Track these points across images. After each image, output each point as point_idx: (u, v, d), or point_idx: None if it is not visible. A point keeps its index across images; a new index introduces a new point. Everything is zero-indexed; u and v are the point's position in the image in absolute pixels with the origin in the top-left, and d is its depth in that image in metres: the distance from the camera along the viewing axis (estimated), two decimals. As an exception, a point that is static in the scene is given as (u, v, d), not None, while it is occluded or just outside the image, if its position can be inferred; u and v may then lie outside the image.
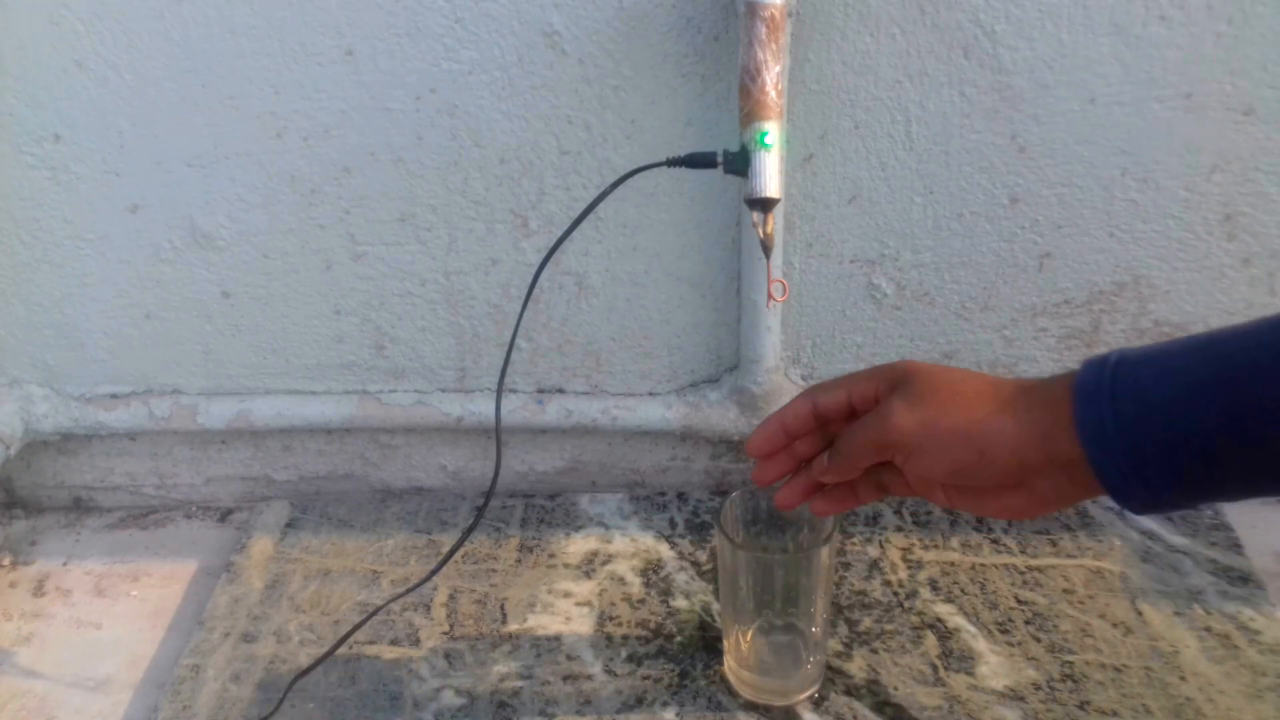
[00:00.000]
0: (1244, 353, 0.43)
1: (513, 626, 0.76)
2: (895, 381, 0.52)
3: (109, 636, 0.80)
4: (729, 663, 0.71)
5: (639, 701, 0.70)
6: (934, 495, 0.53)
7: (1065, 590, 0.76)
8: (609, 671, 0.72)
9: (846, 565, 0.80)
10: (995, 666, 0.71)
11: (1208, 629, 0.73)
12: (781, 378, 0.83)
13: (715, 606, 0.77)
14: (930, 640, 0.73)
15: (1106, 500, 0.84)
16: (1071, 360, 0.82)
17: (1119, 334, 0.81)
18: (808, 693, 0.69)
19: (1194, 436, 0.43)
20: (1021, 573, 0.78)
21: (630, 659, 0.73)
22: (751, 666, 0.70)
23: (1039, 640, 0.73)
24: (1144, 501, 0.46)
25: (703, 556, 0.82)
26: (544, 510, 0.88)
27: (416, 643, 0.75)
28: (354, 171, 0.77)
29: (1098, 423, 0.45)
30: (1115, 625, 0.73)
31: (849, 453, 0.54)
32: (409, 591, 0.75)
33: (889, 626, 0.74)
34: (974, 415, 0.49)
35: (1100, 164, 0.74)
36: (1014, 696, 0.69)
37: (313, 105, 0.75)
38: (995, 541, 0.82)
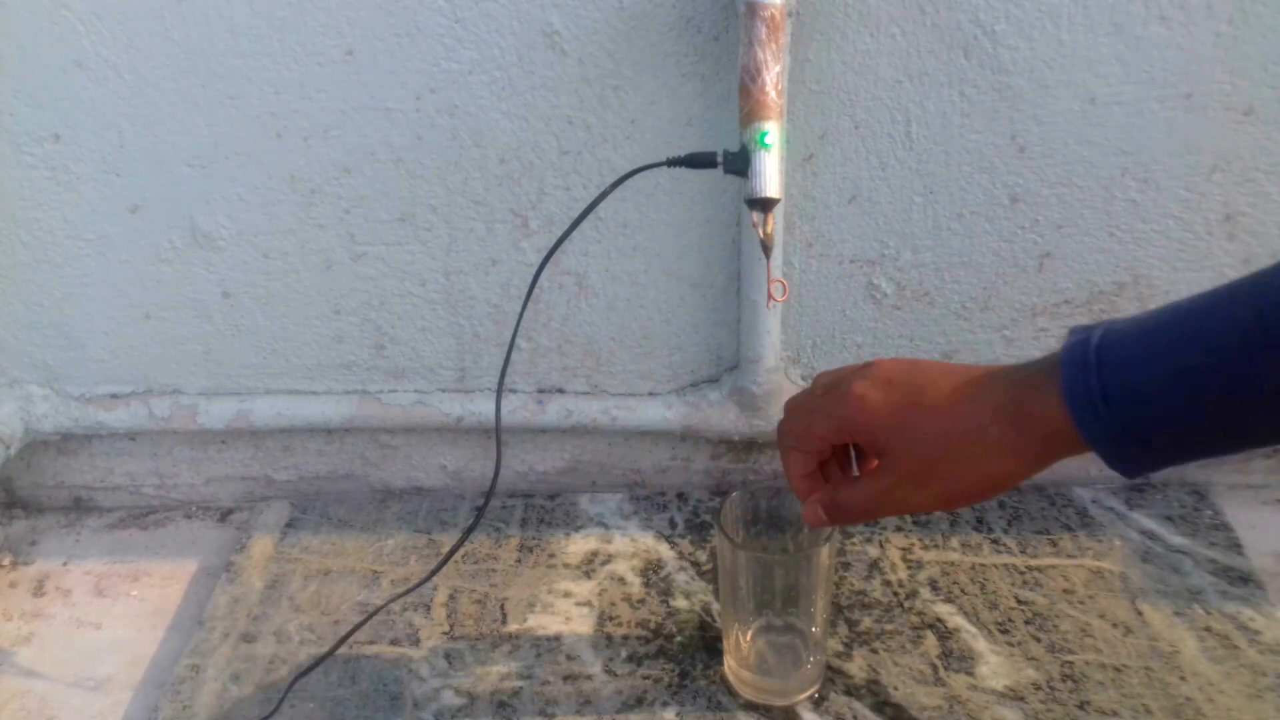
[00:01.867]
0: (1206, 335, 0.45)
1: (513, 626, 0.76)
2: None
3: (109, 636, 0.80)
4: (729, 663, 0.71)
5: (639, 701, 0.70)
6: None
7: (1065, 590, 0.76)
8: (609, 671, 0.72)
9: (846, 565, 0.80)
10: (995, 666, 0.71)
11: (1208, 629, 0.73)
12: (781, 378, 0.83)
13: (715, 606, 0.77)
14: (930, 640, 0.73)
15: (1107, 500, 0.85)
16: (1071, 360, 0.82)
17: (1119, 334, 0.81)
18: (808, 693, 0.69)
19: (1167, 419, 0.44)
20: (1021, 573, 0.78)
21: (630, 659, 0.73)
22: (751, 666, 0.70)
23: (1039, 640, 0.73)
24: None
25: (703, 556, 0.82)
26: (544, 510, 0.88)
27: (416, 643, 0.75)
28: (354, 171, 0.77)
29: (1085, 392, 0.46)
30: (1115, 625, 0.73)
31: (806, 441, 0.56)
32: (409, 591, 0.75)
33: (889, 626, 0.74)
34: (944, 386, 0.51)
35: (1100, 164, 0.74)
36: (1014, 696, 0.69)
37: (313, 105, 0.75)
38: (995, 541, 0.82)
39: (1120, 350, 0.46)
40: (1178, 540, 0.80)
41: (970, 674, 0.70)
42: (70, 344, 0.85)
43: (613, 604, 0.78)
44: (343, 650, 0.73)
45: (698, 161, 0.67)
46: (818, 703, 0.69)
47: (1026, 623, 0.74)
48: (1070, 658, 0.71)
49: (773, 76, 0.65)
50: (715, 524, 0.77)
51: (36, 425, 0.86)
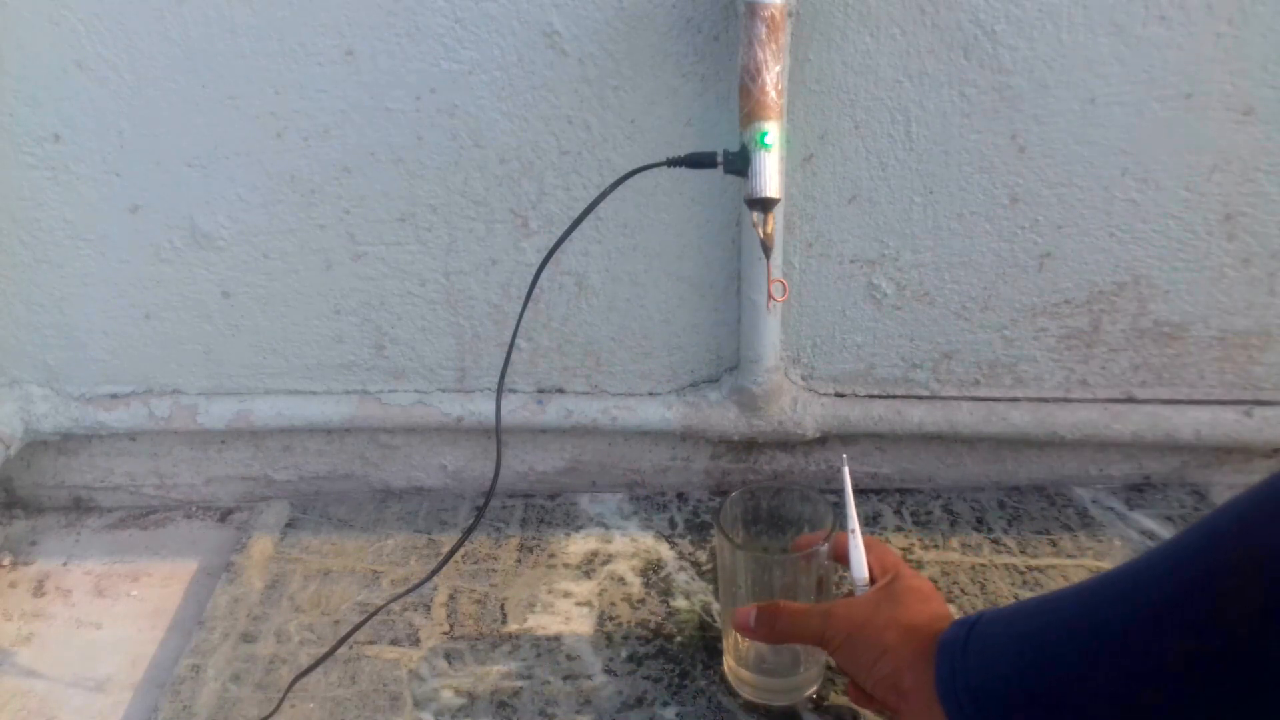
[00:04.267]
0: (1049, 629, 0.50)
1: (513, 626, 0.76)
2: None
3: (109, 636, 0.80)
4: (729, 663, 0.71)
5: (639, 701, 0.70)
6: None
7: (1065, 590, 0.76)
8: (609, 671, 0.72)
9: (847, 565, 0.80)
10: (995, 666, 0.71)
11: (1208, 629, 0.72)
12: (781, 378, 0.83)
13: (715, 606, 0.77)
14: (930, 640, 0.73)
15: (1106, 500, 0.85)
16: (1071, 360, 0.82)
17: (1119, 334, 0.81)
18: (808, 693, 0.69)
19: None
20: (1021, 573, 0.78)
21: (630, 659, 0.73)
22: (751, 666, 0.70)
23: (1039, 640, 0.72)
24: None
25: (703, 556, 0.82)
26: (544, 510, 0.88)
27: (416, 643, 0.75)
28: (354, 171, 0.77)
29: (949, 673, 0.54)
30: (1115, 625, 0.73)
31: (783, 632, 0.64)
32: (409, 591, 0.75)
33: (889, 626, 0.74)
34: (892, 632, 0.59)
35: (1100, 164, 0.74)
36: (1014, 696, 0.69)
37: (313, 105, 0.75)
38: (995, 541, 0.82)
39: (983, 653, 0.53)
40: (1178, 540, 0.80)
41: (970, 674, 0.70)
42: (70, 344, 0.85)
43: (613, 604, 0.78)
44: (343, 650, 0.73)
45: (698, 161, 0.67)
46: (818, 703, 0.69)
47: (1026, 623, 0.74)
48: (1070, 658, 0.71)
49: (773, 76, 0.65)
50: (715, 524, 0.77)
51: (36, 425, 0.86)
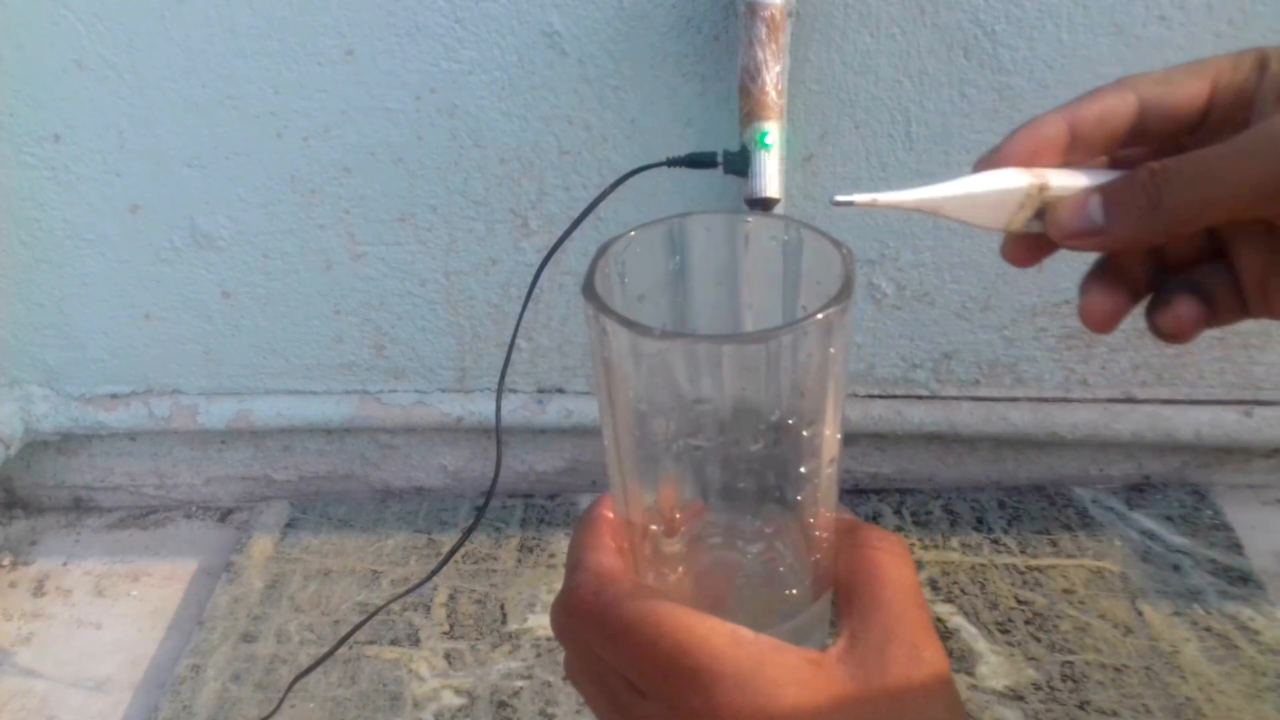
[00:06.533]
0: None
1: (513, 626, 0.76)
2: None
3: (109, 636, 0.80)
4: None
5: (639, 701, 0.70)
6: None
7: (1065, 590, 0.76)
8: (609, 671, 0.72)
9: (846, 565, 0.80)
10: (995, 666, 0.71)
11: (1208, 629, 0.73)
12: (781, 378, 0.83)
13: (715, 606, 0.77)
14: (930, 640, 0.73)
15: (1107, 500, 0.85)
16: (1072, 360, 0.82)
17: (1119, 333, 0.81)
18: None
19: None
20: (1021, 573, 0.78)
21: (630, 659, 0.73)
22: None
23: (1039, 640, 0.73)
24: None
25: (703, 556, 0.82)
26: (544, 510, 0.88)
27: (416, 643, 0.75)
28: (354, 171, 0.77)
29: None
30: (1115, 625, 0.73)
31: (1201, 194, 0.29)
32: (409, 591, 0.75)
33: (889, 626, 0.74)
34: None
35: (1100, 164, 0.74)
36: (1014, 696, 0.69)
37: (313, 105, 0.75)
38: (995, 542, 0.82)
39: None
40: (1178, 540, 0.80)
41: (970, 674, 0.70)
42: (70, 344, 0.85)
43: (613, 604, 0.78)
44: (343, 650, 0.73)
45: (698, 161, 0.67)
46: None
47: (1026, 623, 0.74)
48: (1070, 658, 0.71)
49: (773, 76, 0.65)
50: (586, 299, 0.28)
51: (36, 425, 0.86)
